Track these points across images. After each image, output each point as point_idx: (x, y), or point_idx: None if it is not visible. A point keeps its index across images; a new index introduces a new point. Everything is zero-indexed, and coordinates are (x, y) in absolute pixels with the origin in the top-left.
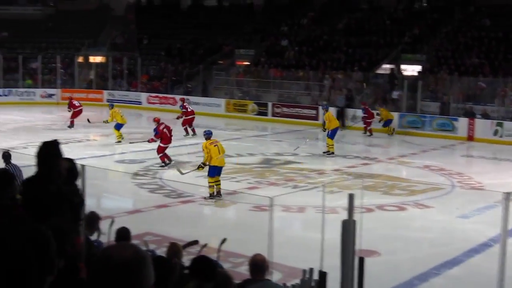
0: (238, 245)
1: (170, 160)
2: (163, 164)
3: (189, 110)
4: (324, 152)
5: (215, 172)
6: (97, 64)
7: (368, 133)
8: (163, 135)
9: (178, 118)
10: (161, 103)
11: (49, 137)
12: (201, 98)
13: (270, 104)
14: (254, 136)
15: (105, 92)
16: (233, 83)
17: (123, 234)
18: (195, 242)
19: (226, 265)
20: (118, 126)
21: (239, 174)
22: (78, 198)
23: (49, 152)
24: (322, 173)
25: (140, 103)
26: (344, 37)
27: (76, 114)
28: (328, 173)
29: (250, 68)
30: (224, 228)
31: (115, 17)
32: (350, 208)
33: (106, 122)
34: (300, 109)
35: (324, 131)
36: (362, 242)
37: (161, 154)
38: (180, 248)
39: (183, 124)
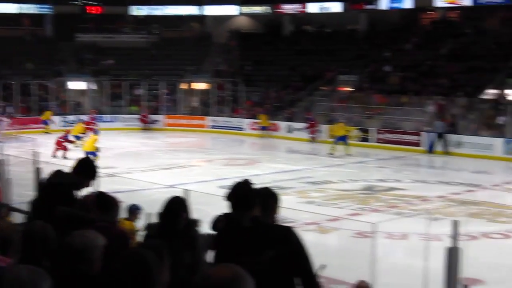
0: (340, 271)
1: None
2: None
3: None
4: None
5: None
6: (200, 91)
7: (312, 140)
8: None
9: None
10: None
11: (152, 163)
12: (303, 124)
13: (373, 130)
14: (357, 162)
15: (208, 118)
16: (336, 109)
17: None
18: None
19: None
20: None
21: (342, 201)
22: None
23: None
24: (425, 200)
25: (242, 129)
26: (448, 62)
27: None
28: (431, 200)
29: (352, 94)
30: (326, 254)
31: (217, 44)
32: (455, 235)
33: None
34: (403, 135)
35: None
36: (466, 270)
37: None
38: None
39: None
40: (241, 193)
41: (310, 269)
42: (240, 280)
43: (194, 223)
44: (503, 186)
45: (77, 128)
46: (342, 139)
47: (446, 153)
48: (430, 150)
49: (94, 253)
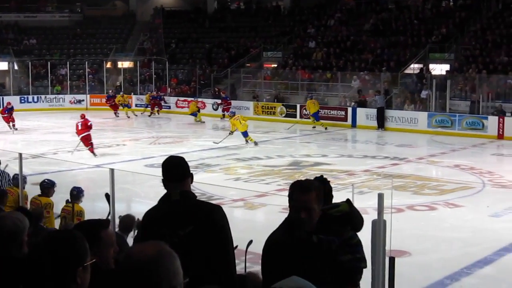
0: None
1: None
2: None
3: None
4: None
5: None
6: (125, 69)
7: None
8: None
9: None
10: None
11: (76, 143)
12: (218, 101)
13: (298, 106)
14: (282, 138)
15: (134, 97)
16: (261, 86)
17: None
18: None
19: (256, 267)
20: (245, 134)
21: (269, 176)
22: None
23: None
24: (351, 174)
25: (169, 107)
26: (371, 37)
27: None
28: (357, 174)
29: (278, 70)
30: (254, 230)
31: (142, 22)
32: (380, 208)
33: (231, 133)
34: (328, 111)
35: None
36: (392, 242)
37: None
38: None
39: None
40: (171, 165)
41: (225, 252)
42: (164, 258)
43: None
44: (427, 159)
45: (192, 107)
46: (316, 115)
47: (382, 128)
48: (381, 126)
49: (24, 235)
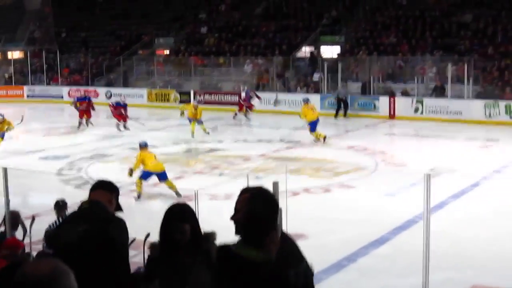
0: None
1: None
2: None
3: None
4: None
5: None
6: (15, 60)
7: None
8: None
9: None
10: None
11: None
12: (123, 89)
13: (192, 92)
14: (177, 125)
15: (25, 87)
16: (154, 73)
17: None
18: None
19: None
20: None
21: (165, 164)
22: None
23: None
24: (247, 159)
25: (61, 97)
26: (263, 21)
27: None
28: (253, 159)
29: (170, 57)
30: (152, 220)
31: (31, 11)
32: (275, 194)
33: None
34: (222, 95)
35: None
36: (289, 226)
37: None
38: None
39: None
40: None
41: (118, 255)
42: (59, 275)
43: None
44: (321, 141)
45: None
46: (314, 125)
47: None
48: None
49: None
